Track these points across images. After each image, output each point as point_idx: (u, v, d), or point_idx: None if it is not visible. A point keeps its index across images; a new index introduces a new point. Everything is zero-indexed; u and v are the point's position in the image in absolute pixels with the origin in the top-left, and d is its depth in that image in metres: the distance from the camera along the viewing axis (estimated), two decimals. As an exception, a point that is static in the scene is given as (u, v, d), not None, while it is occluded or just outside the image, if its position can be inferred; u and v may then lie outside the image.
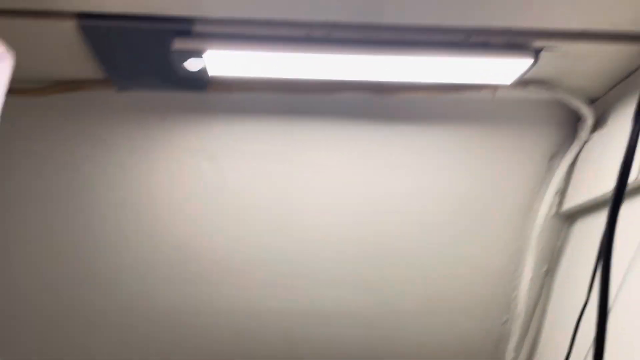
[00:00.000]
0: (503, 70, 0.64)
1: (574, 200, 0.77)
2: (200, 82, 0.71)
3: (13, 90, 0.53)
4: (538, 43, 0.61)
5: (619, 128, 0.66)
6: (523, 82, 0.71)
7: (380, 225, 0.87)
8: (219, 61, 0.64)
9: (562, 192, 0.82)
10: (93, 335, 0.91)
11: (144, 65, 0.66)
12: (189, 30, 0.59)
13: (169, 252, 0.86)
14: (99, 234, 0.85)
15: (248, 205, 0.84)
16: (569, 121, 0.79)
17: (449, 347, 1.01)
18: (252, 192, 0.84)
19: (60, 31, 0.61)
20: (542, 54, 0.62)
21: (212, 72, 0.67)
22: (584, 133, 0.74)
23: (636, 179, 0.65)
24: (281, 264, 0.90)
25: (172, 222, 0.84)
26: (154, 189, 0.83)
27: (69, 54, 0.67)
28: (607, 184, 0.67)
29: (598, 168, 0.70)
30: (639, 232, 0.66)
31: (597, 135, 0.73)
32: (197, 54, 0.61)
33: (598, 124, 0.73)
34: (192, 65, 0.64)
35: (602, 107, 0.74)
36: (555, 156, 0.81)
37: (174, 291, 0.89)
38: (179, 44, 0.60)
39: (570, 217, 0.82)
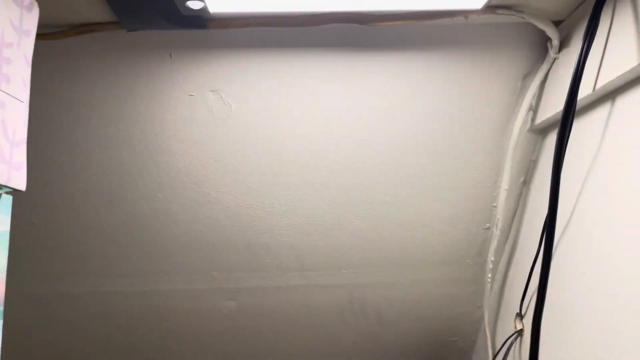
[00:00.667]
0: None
1: (544, 115, 0.86)
2: (201, 20, 0.80)
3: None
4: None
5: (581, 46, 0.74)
6: (492, 7, 0.78)
7: (367, 148, 0.97)
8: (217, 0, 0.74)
9: (535, 109, 0.90)
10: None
11: (150, 6, 0.75)
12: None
13: (182, 177, 1.00)
14: (117, 163, 0.98)
15: (251, 131, 0.95)
16: (539, 43, 0.87)
17: (439, 254, 1.15)
18: (254, 119, 0.95)
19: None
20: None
21: (212, 10, 0.76)
22: (551, 53, 0.82)
23: (591, 92, 0.74)
24: (281, 186, 1.03)
25: (184, 148, 0.97)
26: (167, 119, 0.94)
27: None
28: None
29: (564, 85, 0.78)
30: (596, 142, 0.76)
31: (563, 54, 0.80)
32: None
33: (563, 43, 0.81)
34: (193, 4, 0.74)
35: (567, 27, 0.80)
36: (527, 76, 0.89)
37: (187, 210, 1.04)
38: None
39: (543, 131, 0.91)
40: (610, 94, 0.70)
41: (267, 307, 1.17)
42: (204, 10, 0.75)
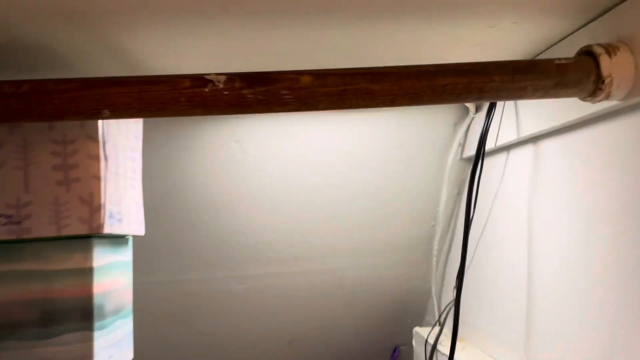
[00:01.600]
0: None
1: (468, 151, 1.19)
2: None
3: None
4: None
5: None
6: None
7: (344, 177, 1.25)
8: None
9: (463, 145, 1.24)
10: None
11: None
12: None
13: (215, 200, 1.28)
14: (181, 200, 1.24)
15: (261, 167, 1.23)
16: (463, 105, 1.19)
17: (399, 244, 1.40)
18: (263, 159, 1.22)
19: None
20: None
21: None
22: (470, 114, 1.14)
23: (494, 146, 1.07)
24: (283, 203, 1.29)
25: (216, 180, 1.24)
26: (208, 162, 1.22)
27: None
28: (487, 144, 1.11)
29: (478, 136, 1.13)
30: (499, 173, 1.11)
31: (478, 114, 1.15)
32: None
33: (478, 107, 1.15)
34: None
35: None
36: (457, 123, 1.21)
37: (215, 222, 1.30)
38: None
39: (469, 160, 1.26)
40: (505, 148, 1.05)
41: (270, 288, 1.40)
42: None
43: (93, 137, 0.65)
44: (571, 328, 0.80)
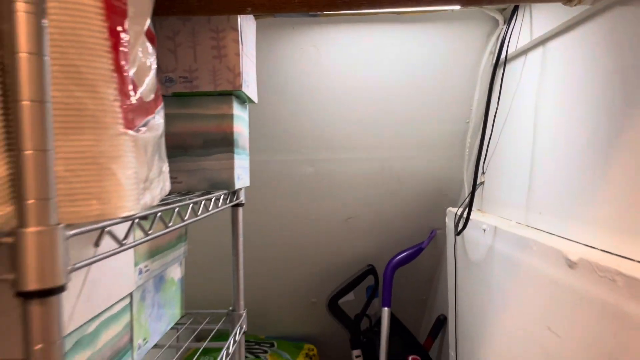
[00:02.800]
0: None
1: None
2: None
3: None
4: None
5: (525, 22, 1.37)
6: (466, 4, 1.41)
7: (394, 81, 1.61)
8: None
9: (494, 53, 1.54)
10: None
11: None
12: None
13: (297, 88, 1.67)
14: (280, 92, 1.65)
15: (330, 67, 1.60)
16: (495, 19, 1.49)
17: (438, 140, 1.70)
18: (333, 61, 1.59)
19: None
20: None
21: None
22: (500, 24, 1.45)
23: (515, 49, 1.37)
24: (346, 101, 1.70)
25: (296, 74, 1.64)
26: (293, 62, 1.60)
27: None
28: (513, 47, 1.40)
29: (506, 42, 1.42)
30: (517, 75, 1.40)
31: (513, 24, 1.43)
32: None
33: (506, 20, 1.43)
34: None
35: (506, 12, 1.44)
36: (490, 34, 1.52)
37: (295, 117, 1.71)
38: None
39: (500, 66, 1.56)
40: (523, 52, 1.35)
41: (332, 172, 1.73)
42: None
43: (235, 28, 1.01)
44: (559, 180, 1.13)
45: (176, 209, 0.71)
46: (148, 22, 0.62)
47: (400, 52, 1.56)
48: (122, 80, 0.53)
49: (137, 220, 0.59)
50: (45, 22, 0.40)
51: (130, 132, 0.54)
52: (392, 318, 2.00)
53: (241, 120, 1.11)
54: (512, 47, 1.34)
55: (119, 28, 0.53)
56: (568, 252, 0.91)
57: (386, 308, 1.92)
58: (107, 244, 0.57)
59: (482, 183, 1.62)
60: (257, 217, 1.86)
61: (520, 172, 1.33)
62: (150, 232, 0.62)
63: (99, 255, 0.53)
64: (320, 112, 1.68)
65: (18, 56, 0.38)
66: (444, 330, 2.02)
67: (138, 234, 0.65)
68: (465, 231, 1.51)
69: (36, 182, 0.39)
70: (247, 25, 1.07)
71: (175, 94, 1.01)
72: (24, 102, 0.39)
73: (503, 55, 1.33)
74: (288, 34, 1.54)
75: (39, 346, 0.37)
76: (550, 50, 1.18)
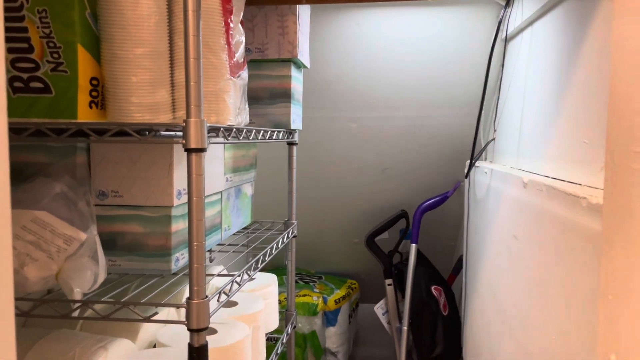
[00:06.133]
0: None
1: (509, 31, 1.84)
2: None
3: None
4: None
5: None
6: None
7: (419, 55, 2.02)
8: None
9: (504, 31, 1.88)
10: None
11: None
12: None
13: (345, 62, 2.10)
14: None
15: (370, 41, 2.02)
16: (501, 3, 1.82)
17: (459, 99, 2.06)
18: (374, 37, 2.00)
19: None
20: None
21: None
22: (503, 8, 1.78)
23: (514, 29, 1.71)
24: (385, 72, 2.11)
25: (340, 54, 2.05)
26: (335, 37, 2.03)
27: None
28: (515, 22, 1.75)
29: (505, 23, 1.76)
30: (517, 54, 1.74)
31: (509, 9, 1.77)
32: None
33: (508, 4, 1.76)
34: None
35: None
36: (498, 15, 1.85)
37: (344, 81, 2.14)
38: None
39: (507, 41, 1.89)
40: (520, 31, 1.69)
41: (371, 128, 2.09)
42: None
43: (294, 13, 1.44)
44: (533, 129, 1.49)
45: (253, 130, 1.16)
46: (242, 14, 1.05)
47: (427, 29, 1.94)
48: (229, 49, 0.97)
49: (234, 129, 1.04)
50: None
51: (233, 78, 0.99)
52: (419, 254, 2.39)
53: (297, 80, 1.55)
54: (512, 27, 1.68)
55: (229, 19, 0.97)
56: (523, 177, 1.29)
57: (414, 245, 2.31)
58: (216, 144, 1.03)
59: (494, 139, 1.98)
60: (309, 164, 2.30)
61: (514, 128, 1.69)
62: (241, 138, 1.07)
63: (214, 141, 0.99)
64: (361, 77, 2.09)
65: (189, 37, 0.83)
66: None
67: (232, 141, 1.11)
68: (475, 177, 1.89)
69: (194, 98, 0.84)
70: (303, 10, 1.49)
71: (252, 60, 1.46)
72: (192, 59, 0.83)
73: (504, 35, 1.68)
74: (335, 15, 1.95)
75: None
76: (536, 30, 1.52)
